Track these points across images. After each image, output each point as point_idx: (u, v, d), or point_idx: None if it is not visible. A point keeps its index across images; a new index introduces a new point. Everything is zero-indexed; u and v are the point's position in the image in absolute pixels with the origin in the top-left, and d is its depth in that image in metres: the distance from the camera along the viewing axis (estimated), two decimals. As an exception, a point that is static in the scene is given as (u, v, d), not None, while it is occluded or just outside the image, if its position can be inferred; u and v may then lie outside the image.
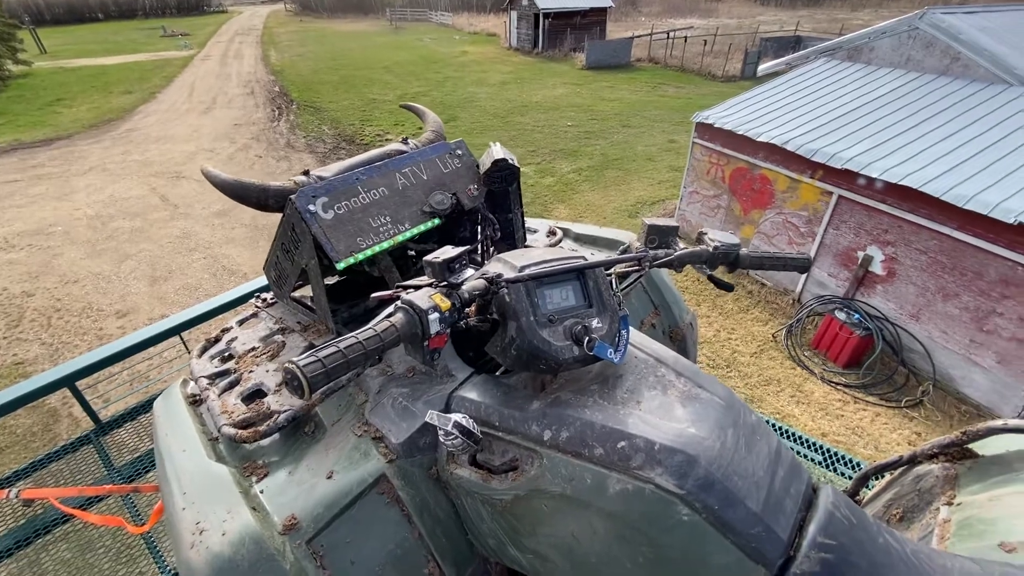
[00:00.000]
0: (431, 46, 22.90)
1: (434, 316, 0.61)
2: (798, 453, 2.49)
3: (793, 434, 2.59)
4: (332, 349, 0.55)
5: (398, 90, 14.71)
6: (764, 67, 6.85)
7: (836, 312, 4.68)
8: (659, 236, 0.90)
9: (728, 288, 0.90)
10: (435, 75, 16.65)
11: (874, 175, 4.23)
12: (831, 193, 4.73)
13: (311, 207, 0.84)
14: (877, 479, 1.28)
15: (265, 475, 0.76)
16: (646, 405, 0.68)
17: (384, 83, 15.66)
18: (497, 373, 0.79)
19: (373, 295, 0.67)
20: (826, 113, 5.12)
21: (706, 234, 0.94)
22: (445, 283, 0.65)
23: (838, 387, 4.43)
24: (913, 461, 1.15)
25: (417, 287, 0.66)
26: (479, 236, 1.06)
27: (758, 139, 5.15)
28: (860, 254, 4.64)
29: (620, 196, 7.97)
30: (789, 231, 5.30)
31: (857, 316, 4.57)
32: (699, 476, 0.61)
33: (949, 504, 1.05)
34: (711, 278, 0.91)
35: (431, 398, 0.77)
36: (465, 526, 0.81)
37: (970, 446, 1.05)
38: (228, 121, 12.41)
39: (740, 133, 5.35)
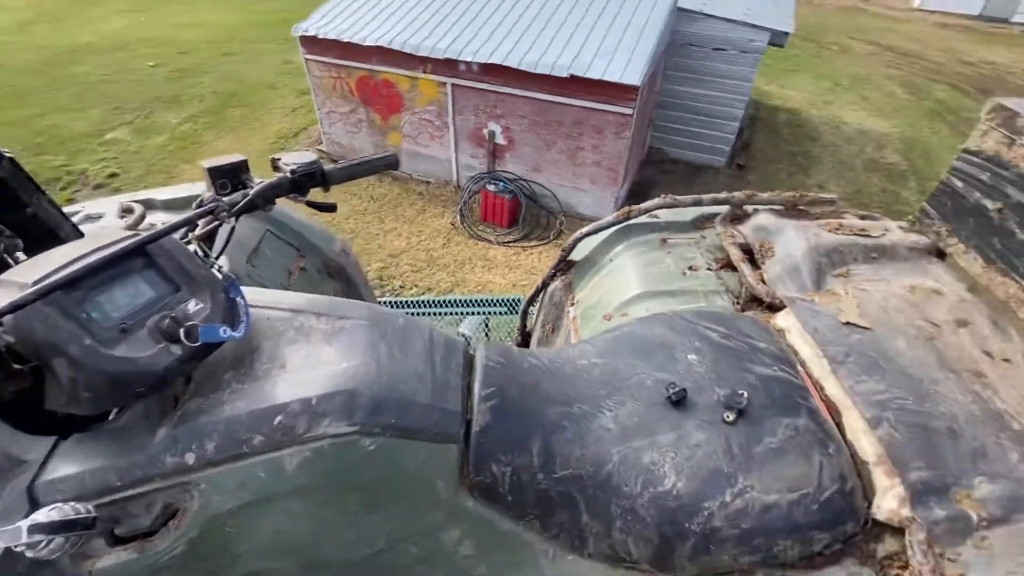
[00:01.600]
0: None
1: None
2: (495, 312, 2.97)
3: (489, 299, 3.03)
4: None
5: None
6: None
7: (487, 185, 5.46)
8: (229, 178, 0.81)
9: (330, 209, 0.90)
10: None
11: (469, 59, 4.80)
12: (445, 83, 5.21)
13: None
14: (533, 306, 1.65)
15: None
16: (292, 364, 0.65)
17: None
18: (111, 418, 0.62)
19: None
20: (426, 9, 5.42)
21: (279, 159, 0.88)
22: None
23: (510, 245, 5.34)
24: (546, 284, 1.51)
25: None
26: None
27: (365, 43, 5.16)
28: (485, 131, 5.39)
29: (256, 136, 7.10)
30: (427, 128, 5.71)
31: (502, 183, 5.44)
32: (365, 404, 0.62)
33: (572, 305, 1.43)
34: (310, 204, 0.90)
35: None
36: None
37: (570, 258, 1.43)
38: None
39: (347, 41, 5.24)
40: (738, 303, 1.14)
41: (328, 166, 0.88)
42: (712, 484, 0.77)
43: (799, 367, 0.94)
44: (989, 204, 1.03)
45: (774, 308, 1.08)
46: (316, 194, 0.89)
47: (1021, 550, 0.70)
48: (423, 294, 4.82)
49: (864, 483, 0.80)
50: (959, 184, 1.10)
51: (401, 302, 2.89)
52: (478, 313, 2.94)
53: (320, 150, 6.52)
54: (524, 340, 1.58)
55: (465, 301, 3.00)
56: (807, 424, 0.82)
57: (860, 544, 0.77)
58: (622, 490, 0.76)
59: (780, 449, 0.80)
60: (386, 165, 0.94)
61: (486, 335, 2.60)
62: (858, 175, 6.89)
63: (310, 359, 0.65)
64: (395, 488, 0.67)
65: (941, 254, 1.15)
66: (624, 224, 1.31)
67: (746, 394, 0.84)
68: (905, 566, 0.73)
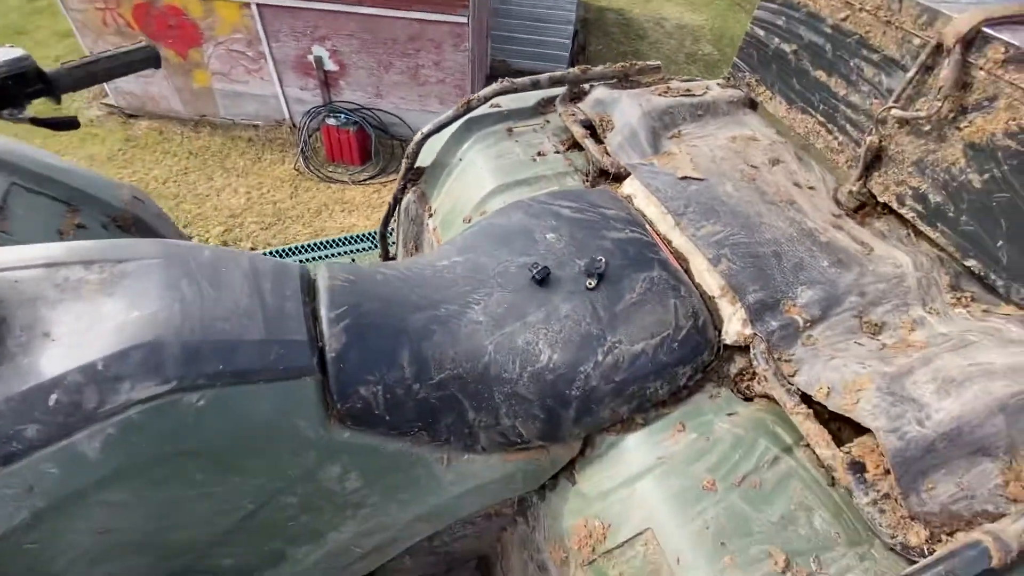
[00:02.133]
0: None
1: None
2: (360, 249, 2.79)
3: (351, 237, 2.82)
4: None
5: None
6: None
7: (326, 120, 4.94)
8: None
9: (71, 125, 0.71)
10: None
11: (270, -29, 4.11)
12: (249, 4, 4.46)
13: None
14: (392, 232, 1.55)
15: None
16: (58, 329, 0.51)
17: None
18: None
19: None
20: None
21: None
22: None
23: (367, 183, 4.99)
24: (398, 200, 1.40)
25: None
26: None
27: (130, -40, 4.16)
28: (310, 57, 4.78)
29: (11, 97, 5.61)
30: (240, 61, 4.93)
31: (343, 116, 4.96)
32: (176, 355, 0.51)
33: (431, 216, 1.35)
34: (36, 122, 0.69)
35: None
36: None
37: (417, 166, 1.33)
38: None
39: (102, -43, 4.18)
40: (587, 180, 1.15)
41: (50, 69, 0.67)
42: (585, 348, 0.78)
43: (647, 226, 0.98)
44: (786, 48, 1.12)
45: (620, 178, 1.11)
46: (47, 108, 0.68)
47: (838, 337, 0.82)
48: (280, 250, 4.39)
49: (713, 315, 0.87)
50: (761, 33, 1.18)
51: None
52: (342, 255, 2.74)
53: (108, 104, 5.36)
54: (389, 265, 1.49)
55: (325, 244, 2.77)
56: (660, 275, 0.87)
57: (715, 368, 0.86)
58: (503, 377, 0.75)
59: (639, 302, 0.83)
60: (142, 61, 0.74)
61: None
62: (681, 68, 7.43)
63: (84, 318, 0.52)
64: (247, 442, 0.58)
65: (753, 104, 1.25)
66: (467, 118, 1.23)
67: (603, 259, 0.85)
68: (753, 376, 0.83)
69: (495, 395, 0.75)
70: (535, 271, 0.83)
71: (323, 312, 0.67)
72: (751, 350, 0.81)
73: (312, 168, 4.99)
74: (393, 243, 1.51)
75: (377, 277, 0.79)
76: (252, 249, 4.56)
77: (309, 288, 0.70)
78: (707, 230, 0.92)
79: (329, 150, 5.03)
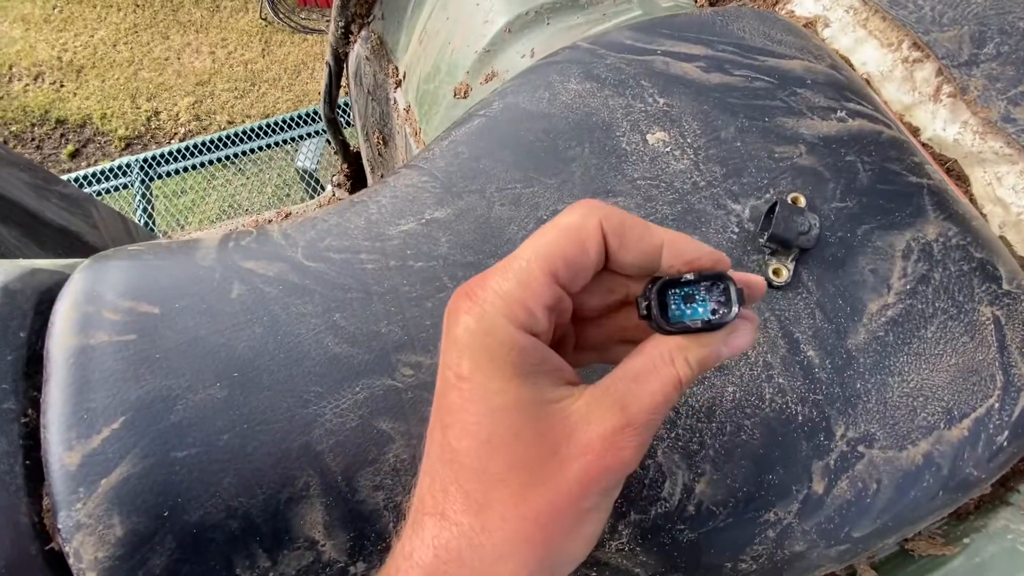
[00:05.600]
0: None
1: None
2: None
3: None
4: None
5: None
6: None
7: (290, -53, 3.90)
8: None
9: None
10: None
11: None
12: None
13: None
14: (348, 113, 0.98)
15: None
16: None
17: None
18: None
19: None
20: None
21: None
22: None
23: (350, 31, 4.11)
24: (340, 58, 0.83)
25: None
26: None
27: None
28: None
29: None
30: None
31: (310, -61, 3.90)
32: None
33: (398, 85, 0.78)
34: None
35: None
36: None
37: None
38: None
39: None
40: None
41: None
42: (777, 462, 0.31)
43: (876, 99, 0.43)
44: None
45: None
46: None
47: None
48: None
49: None
50: None
51: (202, 143, 1.96)
52: (318, 133, 2.14)
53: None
54: (354, 170, 0.96)
55: (296, 119, 2.15)
56: (943, 237, 0.35)
57: None
58: None
59: (911, 320, 0.34)
60: None
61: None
62: None
63: None
64: None
65: None
66: None
67: (805, 202, 0.34)
68: None
69: None
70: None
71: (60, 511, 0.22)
72: None
73: (282, 17, 4.07)
74: (350, 126, 0.96)
75: (206, 297, 0.30)
76: (229, 123, 3.92)
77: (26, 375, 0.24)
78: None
79: (300, -10, 4.06)
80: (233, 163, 1.87)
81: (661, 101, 0.39)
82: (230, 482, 0.26)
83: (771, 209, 0.32)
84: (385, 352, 0.30)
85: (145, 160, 1.43)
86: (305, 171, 1.85)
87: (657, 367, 0.19)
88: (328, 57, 0.74)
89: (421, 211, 0.35)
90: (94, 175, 1.38)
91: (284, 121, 1.89)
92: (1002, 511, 0.35)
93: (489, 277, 0.19)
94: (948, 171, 0.40)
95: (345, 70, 0.78)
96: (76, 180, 1.40)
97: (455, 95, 0.61)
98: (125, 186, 1.40)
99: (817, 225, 0.31)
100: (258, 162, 2.02)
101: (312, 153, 1.83)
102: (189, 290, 0.30)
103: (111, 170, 1.39)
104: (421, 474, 0.21)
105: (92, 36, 4.29)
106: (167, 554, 0.25)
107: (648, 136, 0.38)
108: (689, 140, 0.37)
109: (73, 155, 3.30)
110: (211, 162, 1.57)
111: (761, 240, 0.32)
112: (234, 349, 0.28)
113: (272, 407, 0.28)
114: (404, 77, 0.71)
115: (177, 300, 0.29)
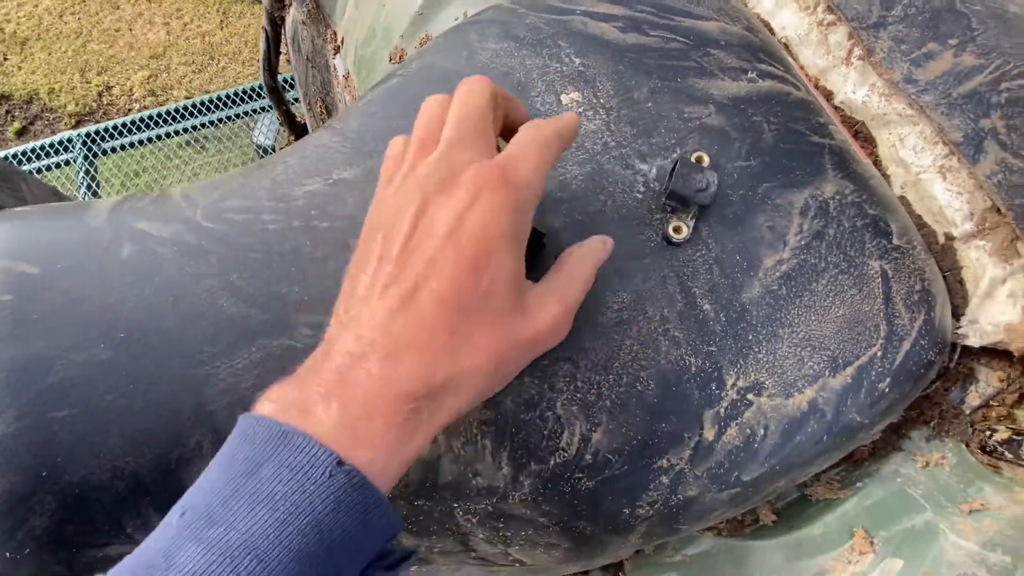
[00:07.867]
0: None
1: None
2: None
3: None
4: None
5: None
6: None
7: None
8: None
9: None
10: None
11: None
12: None
13: None
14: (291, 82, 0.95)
15: None
16: None
17: None
18: None
19: None
20: None
21: None
22: None
23: (313, 2, 3.96)
24: (276, 23, 0.80)
25: None
26: None
27: None
28: None
29: None
30: None
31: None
32: None
33: (337, 51, 0.77)
34: None
35: None
36: None
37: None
38: None
39: None
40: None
41: None
42: (671, 408, 0.33)
43: (789, 60, 0.43)
44: None
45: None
46: None
47: None
48: (219, 101, 3.62)
49: (950, 283, 0.39)
50: None
51: (149, 117, 1.86)
52: (296, 101, 2.06)
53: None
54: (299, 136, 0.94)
55: (250, 92, 2.08)
56: (839, 194, 0.36)
57: (935, 398, 0.41)
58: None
59: (802, 275, 0.35)
60: None
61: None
62: None
63: None
64: None
65: None
66: None
67: (707, 161, 0.35)
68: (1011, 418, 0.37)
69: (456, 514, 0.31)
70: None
71: None
72: None
73: (242, -15, 3.90)
74: (295, 100, 0.93)
75: (86, 246, 0.29)
76: (187, 98, 3.78)
77: None
78: (943, 65, 0.38)
79: (259, -42, 3.89)
80: (191, 142, 1.80)
81: (577, 61, 0.38)
82: (115, 442, 0.26)
83: (674, 168, 0.32)
84: (284, 312, 0.30)
85: (88, 135, 1.36)
86: (262, 147, 1.80)
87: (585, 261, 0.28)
88: (264, 22, 0.72)
89: (329, 171, 0.35)
90: (33, 151, 1.31)
91: (238, 94, 1.81)
92: (893, 456, 0.37)
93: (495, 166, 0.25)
94: (856, 134, 0.41)
95: (284, 36, 0.76)
96: (14, 157, 1.33)
97: (390, 60, 0.60)
98: (67, 162, 1.34)
99: (715, 182, 0.32)
100: (219, 140, 1.94)
101: (268, 129, 1.77)
102: (74, 251, 0.29)
103: (51, 145, 1.32)
104: None
105: (36, 6, 4.03)
106: (48, 514, 0.24)
107: (562, 96, 0.37)
108: (602, 100, 0.37)
109: (20, 133, 3.13)
110: (160, 137, 1.50)
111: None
112: (121, 310, 0.28)
113: (161, 367, 0.27)
114: (343, 43, 0.69)
115: (60, 260, 0.28)
